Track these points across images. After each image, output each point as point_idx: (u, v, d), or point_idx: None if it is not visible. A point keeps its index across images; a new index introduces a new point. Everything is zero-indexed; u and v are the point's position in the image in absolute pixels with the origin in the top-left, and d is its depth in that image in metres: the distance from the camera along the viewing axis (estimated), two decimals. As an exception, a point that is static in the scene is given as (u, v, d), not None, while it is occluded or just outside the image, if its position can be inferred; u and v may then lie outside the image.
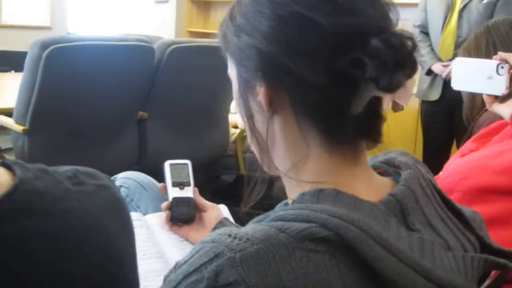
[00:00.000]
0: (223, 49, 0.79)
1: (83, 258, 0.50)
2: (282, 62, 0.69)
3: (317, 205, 0.67)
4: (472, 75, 1.59)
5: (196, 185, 1.47)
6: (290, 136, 0.74)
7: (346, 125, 0.71)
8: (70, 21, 7.22)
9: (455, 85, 1.68)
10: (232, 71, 0.78)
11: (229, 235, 0.63)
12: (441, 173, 1.47)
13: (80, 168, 0.57)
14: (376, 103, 0.70)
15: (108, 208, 0.55)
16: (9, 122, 2.79)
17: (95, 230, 0.52)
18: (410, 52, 0.68)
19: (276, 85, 0.72)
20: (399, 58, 0.66)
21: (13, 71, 4.98)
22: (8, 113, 2.86)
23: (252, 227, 0.64)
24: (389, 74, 0.66)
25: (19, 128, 2.70)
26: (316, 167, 0.73)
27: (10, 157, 2.99)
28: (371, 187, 0.73)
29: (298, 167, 0.74)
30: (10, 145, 2.94)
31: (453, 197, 1.29)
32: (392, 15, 0.72)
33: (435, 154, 3.51)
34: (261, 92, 0.73)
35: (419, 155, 4.15)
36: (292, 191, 0.75)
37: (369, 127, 0.73)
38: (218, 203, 1.51)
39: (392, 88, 0.66)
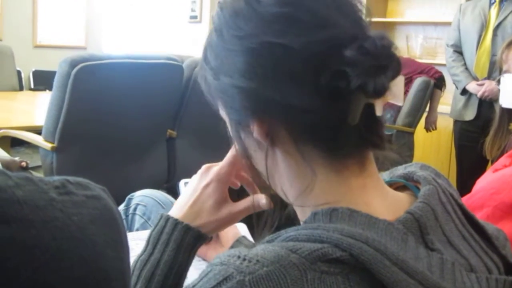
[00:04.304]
0: (205, 93, 0.77)
1: (63, 270, 0.47)
2: (267, 96, 0.67)
3: (330, 224, 0.64)
4: None
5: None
6: (292, 164, 0.71)
7: (347, 137, 0.68)
8: (104, 41, 7.35)
9: (504, 103, 1.62)
10: (223, 114, 0.77)
11: (238, 257, 0.60)
12: None
13: (70, 178, 0.55)
14: (372, 108, 0.67)
15: (96, 219, 0.52)
16: (38, 139, 2.81)
17: (78, 241, 0.49)
18: (388, 53, 0.64)
19: (268, 120, 0.69)
20: (378, 62, 0.63)
21: (47, 90, 5.07)
22: (38, 131, 2.89)
23: (263, 248, 0.62)
24: (372, 79, 0.62)
25: (47, 145, 2.72)
26: (326, 187, 0.70)
27: (38, 175, 3.01)
28: (386, 204, 0.70)
29: (306, 193, 0.71)
30: (39, 163, 2.96)
31: (483, 213, 1.24)
32: (365, 19, 0.70)
33: (470, 174, 3.43)
34: (255, 130, 0.70)
35: (453, 175, 4.07)
36: (304, 215, 0.72)
37: (370, 134, 0.69)
38: (249, 222, 1.48)
39: (378, 92, 0.63)
